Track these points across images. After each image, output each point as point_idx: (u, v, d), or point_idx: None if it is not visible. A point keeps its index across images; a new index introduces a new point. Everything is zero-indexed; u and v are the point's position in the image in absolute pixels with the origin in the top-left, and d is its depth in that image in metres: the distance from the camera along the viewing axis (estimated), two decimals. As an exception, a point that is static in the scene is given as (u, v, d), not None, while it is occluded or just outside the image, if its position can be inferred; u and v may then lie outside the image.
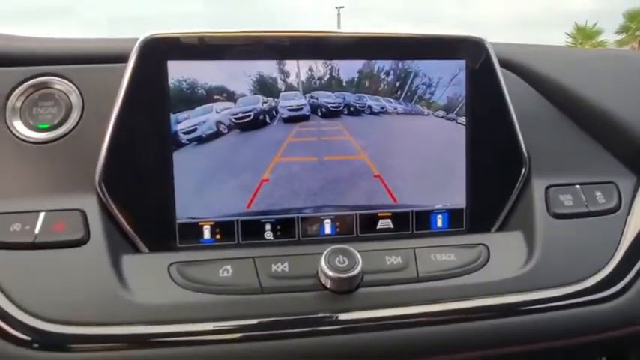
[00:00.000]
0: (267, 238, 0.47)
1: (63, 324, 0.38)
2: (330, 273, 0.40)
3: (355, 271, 0.40)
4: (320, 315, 0.41)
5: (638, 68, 0.58)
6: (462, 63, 0.49)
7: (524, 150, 0.50)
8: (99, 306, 0.39)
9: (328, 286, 0.41)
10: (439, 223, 0.49)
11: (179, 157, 0.45)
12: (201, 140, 0.45)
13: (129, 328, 0.38)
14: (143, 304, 0.39)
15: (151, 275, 0.42)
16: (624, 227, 0.48)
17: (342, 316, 0.41)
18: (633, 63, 0.59)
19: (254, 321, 0.40)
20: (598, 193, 0.50)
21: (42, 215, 0.42)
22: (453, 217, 0.50)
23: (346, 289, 0.41)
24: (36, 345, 0.37)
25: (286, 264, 0.43)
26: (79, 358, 0.38)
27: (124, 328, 0.38)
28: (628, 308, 0.44)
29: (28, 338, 0.37)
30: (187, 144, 0.45)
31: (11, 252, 0.40)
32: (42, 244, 0.40)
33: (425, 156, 0.49)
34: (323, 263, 0.41)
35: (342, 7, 39.45)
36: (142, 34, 0.44)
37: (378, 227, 0.48)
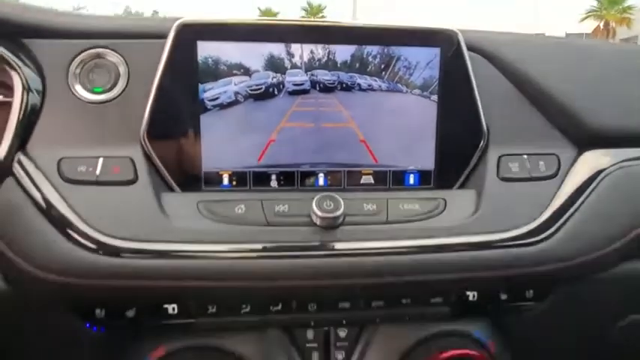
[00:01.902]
0: (272, 185, 0.59)
1: (119, 239, 0.51)
2: (319, 213, 0.53)
3: (338, 213, 0.53)
4: (310, 244, 0.54)
5: (591, 56, 0.67)
6: (437, 50, 0.59)
7: (484, 124, 0.61)
8: (145, 227, 0.52)
9: (318, 223, 0.54)
10: (411, 181, 0.61)
11: (205, 119, 0.57)
12: (222, 106, 0.57)
13: (167, 244, 0.52)
14: (178, 228, 0.53)
15: (183, 209, 0.55)
16: (557, 191, 0.60)
17: (327, 246, 0.54)
18: (587, 51, 0.68)
19: (260, 245, 0.53)
20: (541, 163, 0.61)
21: (101, 160, 0.54)
22: (423, 176, 0.62)
23: (331, 226, 0.54)
24: (100, 252, 0.51)
25: (286, 205, 0.56)
26: (128, 264, 0.51)
27: (163, 244, 0.52)
28: (550, 251, 0.57)
29: (94, 247, 0.51)
30: (212, 109, 0.57)
31: (80, 187, 0.53)
32: (103, 182, 0.53)
33: (402, 126, 0.60)
34: (314, 205, 0.53)
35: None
36: (178, 19, 0.55)
37: (361, 182, 0.60)
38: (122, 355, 0.61)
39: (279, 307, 0.59)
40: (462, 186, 0.62)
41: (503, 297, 0.63)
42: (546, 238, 0.57)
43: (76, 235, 0.50)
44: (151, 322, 0.58)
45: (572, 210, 0.58)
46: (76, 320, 0.56)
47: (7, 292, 0.53)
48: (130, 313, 0.57)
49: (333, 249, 0.54)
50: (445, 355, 0.61)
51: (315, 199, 0.54)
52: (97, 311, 0.56)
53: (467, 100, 0.60)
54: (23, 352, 0.59)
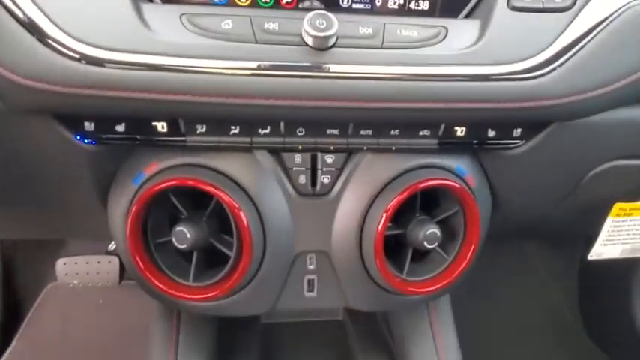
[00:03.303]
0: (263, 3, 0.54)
1: (101, 49, 0.49)
2: (311, 31, 0.50)
3: (331, 32, 0.50)
4: (300, 64, 0.52)
5: None
6: None
7: None
8: (127, 39, 0.49)
9: (309, 43, 0.51)
10: (412, 5, 0.57)
11: None
12: None
13: (150, 57, 0.49)
14: (161, 41, 0.50)
15: (166, 21, 0.51)
16: (569, 24, 0.56)
17: (317, 67, 0.52)
18: None
19: (247, 63, 0.51)
20: None
21: None
22: (430, 3, 0.57)
23: (323, 47, 0.51)
24: (83, 61, 0.49)
25: (277, 23, 0.52)
26: (113, 74, 0.50)
27: (146, 57, 0.49)
28: (547, 87, 0.55)
29: (77, 56, 0.48)
30: None
31: None
32: None
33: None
34: (305, 23, 0.50)
35: None
36: None
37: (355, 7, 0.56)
38: (117, 172, 0.64)
39: (268, 130, 0.60)
40: (467, 16, 0.57)
41: (491, 134, 0.63)
42: (545, 74, 0.55)
43: (56, 45, 0.48)
44: (142, 139, 0.59)
45: (579, 46, 0.55)
46: (67, 134, 0.57)
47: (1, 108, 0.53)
48: (120, 128, 0.57)
49: (324, 70, 0.52)
50: (425, 184, 0.64)
51: (307, 16, 0.50)
52: (87, 124, 0.56)
53: None
54: (22, 174, 0.62)
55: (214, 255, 0.64)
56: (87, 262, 1.27)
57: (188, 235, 0.58)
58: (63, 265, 1.27)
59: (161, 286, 0.61)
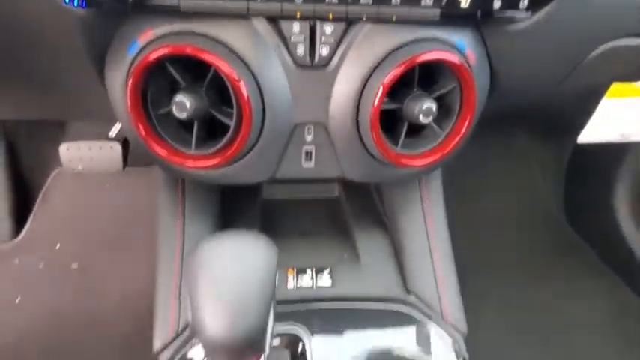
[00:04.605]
0: None
1: None
2: None
3: None
4: None
5: None
6: None
7: None
8: None
9: None
10: None
11: None
12: None
13: None
14: None
15: None
16: None
17: None
18: None
19: None
20: None
21: None
22: None
23: None
24: None
25: None
26: None
27: None
28: None
29: None
30: None
31: None
32: None
33: None
34: None
35: None
36: None
37: None
38: (111, 41, 0.63)
39: None
40: None
41: (497, 4, 0.62)
42: None
43: None
44: (133, 1, 0.57)
45: None
46: None
47: None
48: None
49: None
50: (423, 57, 0.63)
51: None
52: None
53: None
54: (13, 44, 0.60)
55: (214, 128, 0.65)
56: (89, 148, 1.29)
57: (188, 105, 0.59)
58: (66, 151, 1.29)
59: (164, 154, 0.64)
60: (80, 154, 1.30)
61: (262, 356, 0.48)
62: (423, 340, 0.67)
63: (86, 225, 1.34)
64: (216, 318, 0.43)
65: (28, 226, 1.33)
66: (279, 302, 0.61)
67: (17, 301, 1.21)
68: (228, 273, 0.45)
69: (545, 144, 1.60)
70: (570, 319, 1.27)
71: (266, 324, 0.46)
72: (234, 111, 0.62)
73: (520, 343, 1.19)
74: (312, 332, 0.66)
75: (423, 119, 0.65)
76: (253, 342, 0.45)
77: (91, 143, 1.29)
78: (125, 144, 1.33)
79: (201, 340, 0.45)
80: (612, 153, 1.35)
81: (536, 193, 1.60)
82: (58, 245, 1.31)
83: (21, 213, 1.35)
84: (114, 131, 1.32)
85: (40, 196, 1.37)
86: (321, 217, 0.89)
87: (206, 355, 0.49)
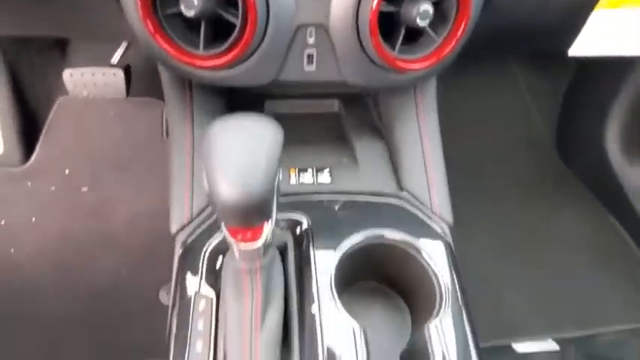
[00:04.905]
0: None
1: None
2: None
3: None
4: None
5: None
6: None
7: None
8: None
9: None
10: None
11: None
12: None
13: None
14: None
15: None
16: None
17: None
18: None
19: None
20: None
21: None
22: None
23: None
24: None
25: None
26: None
27: None
28: None
29: None
30: None
31: None
32: None
33: None
34: None
35: None
36: None
37: None
38: None
39: None
40: None
41: None
42: None
43: None
44: None
45: None
46: None
47: None
48: None
49: None
50: None
51: None
52: None
53: None
54: None
55: (220, 30, 0.68)
56: (93, 74, 1.32)
57: (195, 1, 0.62)
58: (70, 77, 1.32)
59: (172, 52, 0.67)
60: (84, 80, 1.33)
61: (269, 222, 0.54)
62: (413, 227, 0.73)
63: (93, 151, 1.39)
64: (229, 185, 0.48)
65: (37, 151, 1.38)
66: (282, 195, 0.67)
67: (33, 220, 1.27)
68: (239, 144, 0.50)
69: (541, 76, 1.62)
70: (555, 240, 1.35)
71: (273, 191, 0.51)
72: (240, 11, 0.65)
73: (506, 258, 1.27)
74: (312, 218, 0.72)
75: (420, 22, 0.68)
76: (262, 206, 0.50)
77: (94, 69, 1.31)
78: (127, 71, 1.35)
79: (217, 207, 0.50)
80: (608, 87, 1.37)
81: (530, 125, 1.64)
82: (67, 171, 1.36)
83: (29, 140, 1.39)
84: (116, 57, 1.34)
85: (47, 123, 1.40)
86: (321, 129, 0.93)
87: (220, 221, 0.55)
